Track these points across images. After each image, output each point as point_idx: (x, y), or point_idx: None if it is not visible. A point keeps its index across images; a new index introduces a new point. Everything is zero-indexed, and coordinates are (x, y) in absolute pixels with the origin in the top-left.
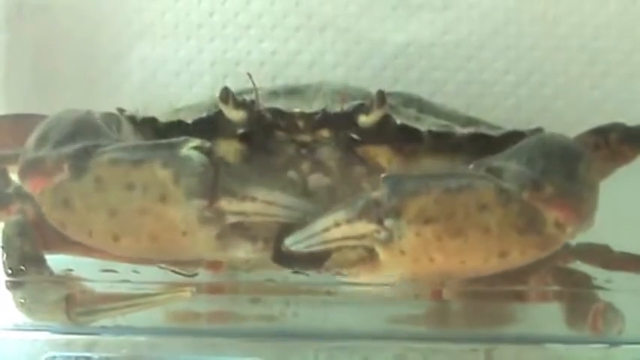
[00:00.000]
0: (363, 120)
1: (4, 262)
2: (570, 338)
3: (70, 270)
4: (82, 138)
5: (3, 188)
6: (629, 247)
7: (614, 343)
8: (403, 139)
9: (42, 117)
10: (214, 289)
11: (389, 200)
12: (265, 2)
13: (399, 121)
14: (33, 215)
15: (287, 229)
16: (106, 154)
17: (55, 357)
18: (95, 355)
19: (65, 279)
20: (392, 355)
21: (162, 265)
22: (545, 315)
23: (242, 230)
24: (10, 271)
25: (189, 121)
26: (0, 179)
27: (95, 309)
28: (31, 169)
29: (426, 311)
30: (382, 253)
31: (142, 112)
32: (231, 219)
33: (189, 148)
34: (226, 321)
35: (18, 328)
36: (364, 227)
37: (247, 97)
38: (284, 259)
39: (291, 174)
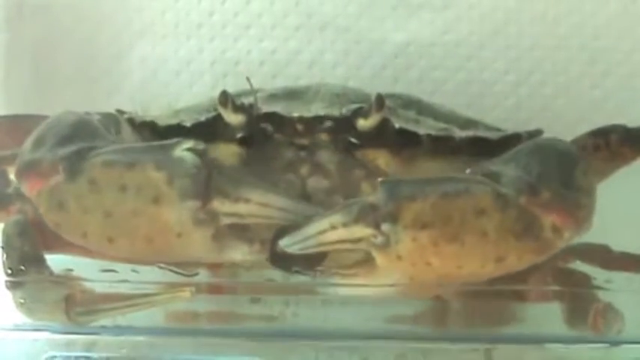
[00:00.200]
0: (362, 124)
1: (4, 262)
2: (570, 338)
3: (70, 270)
4: (79, 140)
5: (3, 189)
6: (629, 247)
7: (614, 343)
8: (402, 142)
9: (42, 117)
10: (214, 289)
11: (386, 205)
12: (265, 2)
13: (397, 125)
14: (33, 215)
15: (283, 230)
16: (100, 156)
17: (55, 357)
18: (95, 355)
19: (65, 279)
20: (392, 355)
21: (162, 265)
22: (545, 315)
23: (238, 232)
24: (10, 271)
25: (188, 124)
26: (0, 179)
27: (95, 309)
28: (27, 170)
29: (426, 311)
30: (379, 258)
31: (142, 113)
32: (226, 220)
33: (183, 150)
34: (226, 321)
35: (18, 328)
36: (361, 231)
37: (246, 101)
38: (279, 260)
39: (290, 177)
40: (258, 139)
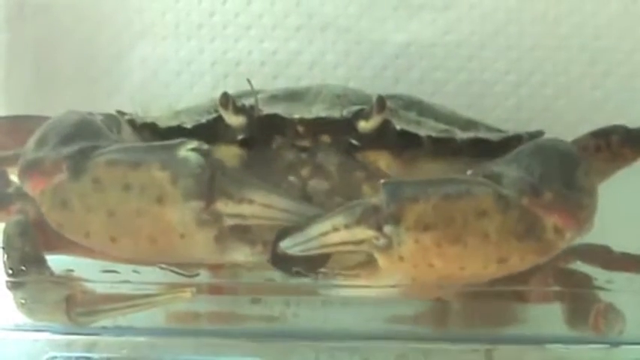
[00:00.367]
0: (363, 125)
1: (4, 263)
2: (571, 338)
3: (71, 270)
4: (82, 139)
5: (3, 189)
6: (630, 248)
7: (615, 344)
8: (403, 144)
9: (42, 118)
10: (215, 290)
11: (388, 206)
12: (266, 2)
13: (398, 127)
14: (34, 216)
15: (285, 232)
16: (104, 155)
17: (55, 357)
18: (96, 356)
19: (66, 279)
20: (392, 356)
21: (163, 266)
22: (546, 315)
23: (240, 233)
24: (10, 272)
25: (189, 126)
26: (0, 180)
27: (96, 309)
28: (30, 169)
29: (427, 312)
30: (381, 260)
31: (142, 114)
32: (229, 221)
33: (187, 150)
34: (227, 321)
35: (19, 329)
36: (363, 233)
37: (247, 102)
38: (281, 262)
39: (291, 179)
40: (258, 140)
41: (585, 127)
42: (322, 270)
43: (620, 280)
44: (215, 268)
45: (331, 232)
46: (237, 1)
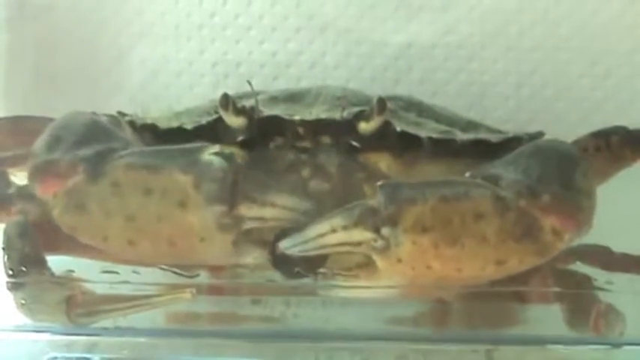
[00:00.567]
0: (363, 127)
1: (5, 263)
2: (571, 339)
3: (71, 271)
4: (96, 141)
5: (4, 190)
6: (630, 249)
7: (616, 345)
8: (403, 145)
9: (42, 119)
10: (215, 291)
11: (385, 208)
12: (266, 3)
13: (398, 128)
14: (34, 216)
15: (284, 233)
16: (124, 158)
17: (55, 358)
18: (96, 357)
19: (66, 280)
20: (392, 356)
21: (163, 267)
22: (546, 316)
23: (251, 236)
24: (11, 272)
25: (189, 127)
26: (0, 181)
27: (96, 310)
28: (43, 171)
29: (427, 312)
30: (379, 262)
31: (142, 115)
32: (249, 225)
33: (210, 154)
34: (227, 322)
35: (19, 329)
36: (361, 235)
37: (247, 104)
38: (281, 263)
39: (291, 180)
40: (259, 142)
41: (585, 127)
42: (322, 270)
43: (621, 281)
44: (215, 268)
45: (329, 233)
46: (238, 2)
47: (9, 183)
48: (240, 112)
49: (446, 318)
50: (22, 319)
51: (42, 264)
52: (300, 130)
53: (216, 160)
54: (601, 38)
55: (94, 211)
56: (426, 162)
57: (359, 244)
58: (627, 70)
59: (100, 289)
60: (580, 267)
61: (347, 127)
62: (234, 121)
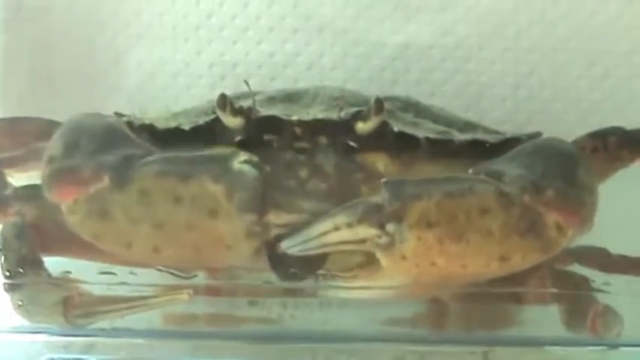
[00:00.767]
0: (361, 127)
1: (2, 265)
2: (568, 341)
3: (68, 272)
4: (115, 146)
5: (1, 191)
6: (627, 250)
7: (613, 346)
8: (401, 145)
9: (39, 120)
10: (212, 292)
11: (390, 204)
12: (263, 4)
13: (396, 128)
14: (31, 218)
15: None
16: (151, 165)
17: (53, 359)
18: (93, 358)
19: (63, 281)
20: (390, 358)
21: (160, 267)
22: (544, 317)
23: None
24: (8, 274)
25: (187, 127)
26: None
27: (93, 311)
28: (63, 177)
29: (424, 314)
30: (383, 259)
31: (139, 115)
32: (276, 232)
33: (240, 162)
34: (224, 323)
35: (16, 330)
36: (365, 231)
37: (244, 104)
38: (278, 264)
39: (289, 180)
40: (256, 142)
41: (583, 128)
42: (320, 272)
43: (618, 282)
44: (212, 269)
45: (332, 230)
46: (235, 3)
47: (6, 184)
48: (237, 112)
49: (443, 319)
50: (20, 321)
51: (39, 265)
52: (298, 130)
53: (247, 169)
54: (599, 39)
55: (118, 218)
56: (424, 162)
57: (363, 241)
58: (625, 71)
59: (97, 291)
60: (578, 268)
61: (344, 127)
62: (232, 121)
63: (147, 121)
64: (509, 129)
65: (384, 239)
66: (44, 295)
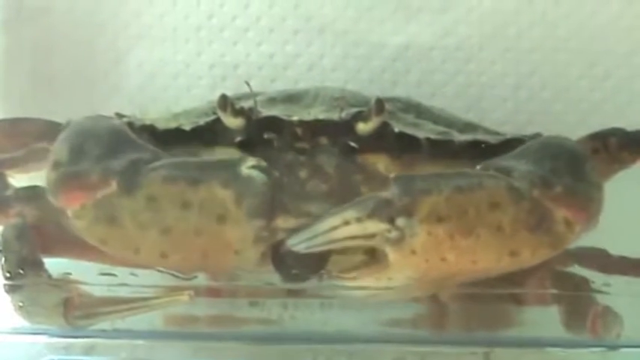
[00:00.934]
0: (362, 128)
1: (2, 266)
2: (568, 342)
3: (69, 273)
4: (123, 150)
5: (1, 192)
6: (627, 251)
7: (613, 347)
8: (401, 146)
9: (40, 121)
10: (212, 293)
11: (400, 199)
12: (264, 5)
13: (397, 129)
14: (31, 219)
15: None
16: (159, 170)
17: None
18: (94, 359)
19: (63, 282)
20: (390, 359)
21: (161, 269)
22: (544, 318)
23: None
24: (8, 275)
25: (188, 128)
26: None
27: (93, 312)
28: (70, 182)
29: (425, 314)
30: (392, 254)
31: (140, 116)
32: (282, 236)
33: (249, 167)
34: (224, 324)
35: (16, 332)
36: (375, 226)
37: (245, 105)
38: (281, 264)
39: (289, 181)
40: (257, 142)
41: (584, 129)
42: (322, 272)
43: (618, 283)
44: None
45: (342, 225)
46: (235, 4)
47: (7, 185)
48: (238, 112)
49: (444, 320)
50: (20, 322)
51: (39, 266)
52: (299, 130)
53: (256, 174)
54: (600, 40)
55: (126, 224)
56: (424, 163)
57: (372, 236)
58: (626, 72)
59: (97, 292)
60: (578, 269)
61: (345, 127)
62: (233, 121)
63: (147, 122)
64: (509, 130)
65: (393, 234)
66: (45, 296)
